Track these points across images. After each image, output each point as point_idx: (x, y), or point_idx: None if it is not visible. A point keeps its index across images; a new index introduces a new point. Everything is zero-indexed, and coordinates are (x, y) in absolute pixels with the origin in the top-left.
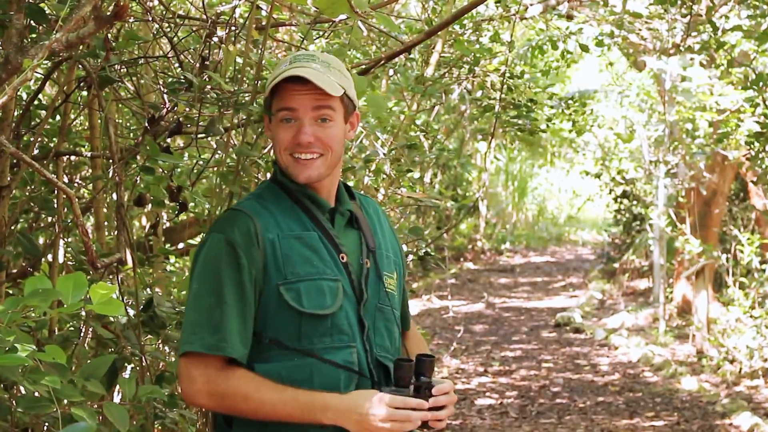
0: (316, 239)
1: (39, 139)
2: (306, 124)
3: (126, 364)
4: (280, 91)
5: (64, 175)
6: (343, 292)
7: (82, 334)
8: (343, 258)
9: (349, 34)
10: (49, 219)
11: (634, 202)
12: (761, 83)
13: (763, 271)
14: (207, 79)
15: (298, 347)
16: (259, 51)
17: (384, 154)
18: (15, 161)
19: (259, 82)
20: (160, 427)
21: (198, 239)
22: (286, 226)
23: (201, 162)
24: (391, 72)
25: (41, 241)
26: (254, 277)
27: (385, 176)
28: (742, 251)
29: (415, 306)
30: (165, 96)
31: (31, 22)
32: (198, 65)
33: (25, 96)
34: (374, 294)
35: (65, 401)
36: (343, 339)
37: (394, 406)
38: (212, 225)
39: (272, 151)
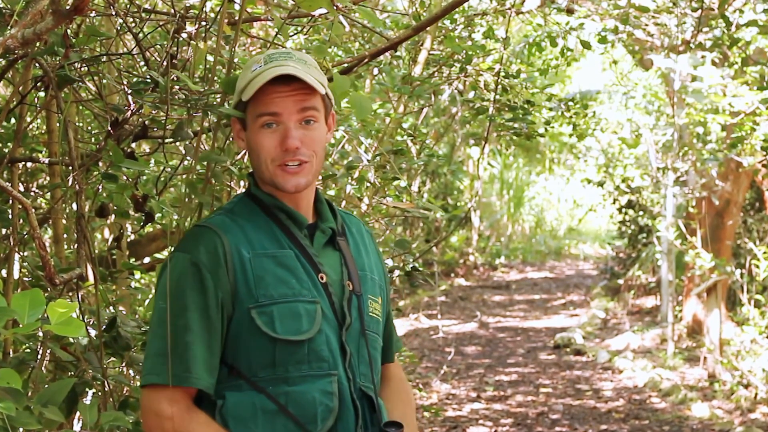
0: (291, 258)
1: None
2: (291, 128)
3: (87, 389)
4: (259, 95)
5: (20, 184)
6: (322, 315)
7: (39, 357)
8: (322, 278)
9: (329, 30)
10: (3, 231)
11: (641, 213)
12: None
13: None
14: (175, 79)
15: (272, 375)
16: (232, 48)
17: (368, 160)
18: None
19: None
20: None
21: (165, 253)
22: (259, 244)
23: (168, 169)
24: (375, 71)
25: None
26: (221, 300)
27: (369, 185)
28: (757, 266)
29: (402, 326)
30: (129, 97)
31: None
32: (165, 63)
33: None
34: (357, 318)
35: (21, 430)
36: (323, 366)
37: None
38: (177, 243)
39: (248, 161)
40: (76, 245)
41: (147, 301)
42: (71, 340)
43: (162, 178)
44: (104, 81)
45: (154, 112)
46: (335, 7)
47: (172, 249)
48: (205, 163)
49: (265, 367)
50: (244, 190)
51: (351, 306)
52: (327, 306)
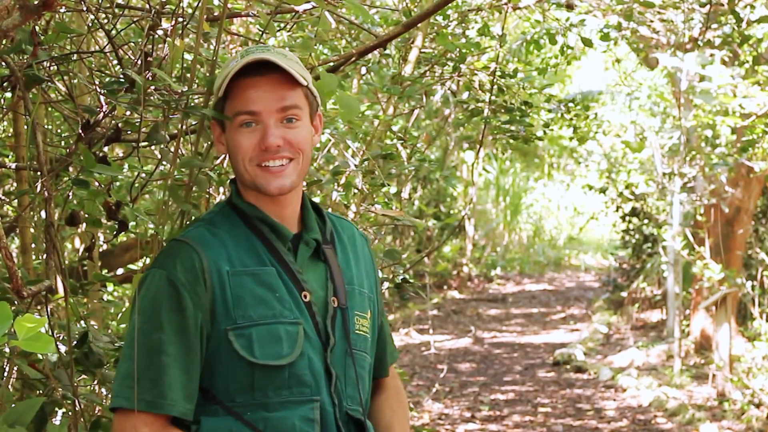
0: (273, 275)
1: None
2: (271, 126)
3: (57, 409)
4: (236, 92)
5: None
6: (304, 337)
7: (5, 374)
8: (305, 296)
9: (315, 26)
10: None
11: (645, 221)
12: None
13: None
14: (151, 78)
15: (250, 401)
16: (212, 46)
17: (355, 165)
18: None
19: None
20: None
21: (140, 264)
22: (239, 261)
23: (143, 174)
24: (363, 70)
25: None
26: (200, 321)
27: (356, 191)
28: None
29: None
30: (102, 98)
31: None
32: (140, 62)
33: None
34: (343, 338)
35: None
36: (304, 392)
37: None
38: (154, 259)
39: (228, 166)
40: (44, 255)
41: (120, 315)
42: (40, 356)
43: (136, 184)
44: (75, 81)
45: (128, 113)
46: (325, 0)
47: (149, 265)
48: (182, 168)
49: (243, 392)
50: (225, 197)
51: (335, 325)
52: (310, 326)
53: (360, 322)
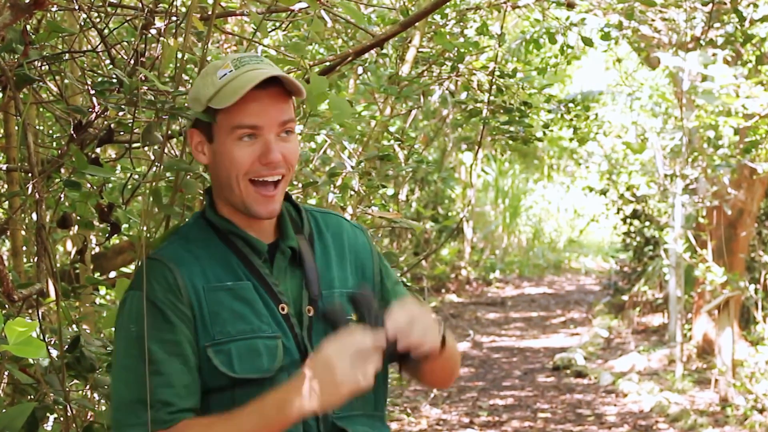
0: (249, 289)
1: None
2: (272, 140)
3: (48, 414)
4: (235, 104)
5: None
6: (283, 351)
7: None
8: (283, 309)
9: (311, 26)
10: None
11: (647, 224)
12: None
13: None
14: (143, 79)
15: None
16: (204, 45)
17: (352, 167)
18: None
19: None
20: None
21: (132, 267)
22: (214, 276)
23: (136, 176)
24: (360, 70)
25: None
26: (189, 332)
27: (353, 193)
28: None
29: None
30: (94, 98)
31: None
32: (132, 62)
33: None
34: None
35: None
36: None
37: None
38: (131, 281)
39: (214, 177)
40: (36, 258)
41: (114, 317)
42: (31, 361)
43: (129, 186)
44: (66, 81)
45: (120, 114)
46: (317, 1)
47: (128, 287)
48: (172, 170)
49: (223, 409)
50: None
51: (312, 335)
52: (289, 340)
53: None
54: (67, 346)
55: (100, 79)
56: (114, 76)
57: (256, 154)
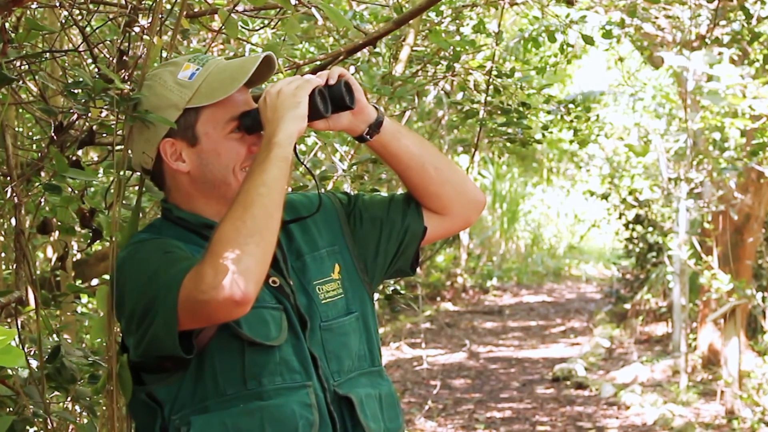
0: None
1: None
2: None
3: (27, 427)
4: (223, 99)
5: None
6: (287, 323)
7: None
8: (274, 282)
9: (308, 22)
10: None
11: (650, 229)
12: None
13: None
14: (127, 79)
15: (243, 392)
16: (190, 43)
17: (343, 170)
18: None
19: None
20: None
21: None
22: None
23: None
24: (352, 69)
25: None
26: None
27: None
28: None
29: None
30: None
31: None
32: (115, 61)
33: None
34: (314, 316)
35: None
36: (296, 378)
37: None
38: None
39: (200, 179)
40: (15, 265)
41: (95, 327)
42: (10, 372)
43: (111, 190)
44: (44, 81)
45: (102, 115)
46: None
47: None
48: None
49: (235, 383)
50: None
51: (299, 304)
52: (289, 311)
53: (324, 290)
54: (47, 357)
55: (71, 80)
56: (96, 75)
57: (247, 144)
